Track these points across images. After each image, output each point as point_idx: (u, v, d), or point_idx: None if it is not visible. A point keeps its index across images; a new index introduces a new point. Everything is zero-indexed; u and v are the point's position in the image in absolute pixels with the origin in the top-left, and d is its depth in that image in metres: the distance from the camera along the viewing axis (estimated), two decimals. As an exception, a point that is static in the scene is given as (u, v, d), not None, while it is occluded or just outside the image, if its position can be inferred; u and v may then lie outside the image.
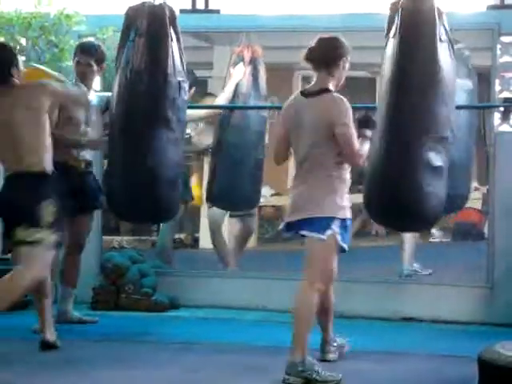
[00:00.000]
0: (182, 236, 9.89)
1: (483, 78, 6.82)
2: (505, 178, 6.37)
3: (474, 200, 9.38)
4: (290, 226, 4.57)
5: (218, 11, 7.00)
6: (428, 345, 5.42)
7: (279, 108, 6.55)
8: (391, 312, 6.32)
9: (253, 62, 7.11)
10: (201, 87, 8.75)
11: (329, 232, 4.40)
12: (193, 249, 9.41)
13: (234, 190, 7.04)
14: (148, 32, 5.40)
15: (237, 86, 7.07)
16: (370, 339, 5.56)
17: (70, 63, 6.14)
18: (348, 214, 4.49)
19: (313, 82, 4.59)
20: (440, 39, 5.01)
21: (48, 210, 4.78)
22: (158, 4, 5.49)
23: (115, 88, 5.49)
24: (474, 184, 9.24)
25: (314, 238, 4.41)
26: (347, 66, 4.59)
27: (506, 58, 6.52)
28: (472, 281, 6.56)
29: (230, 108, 7.08)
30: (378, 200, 5.14)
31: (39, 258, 4.78)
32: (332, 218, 4.41)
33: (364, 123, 4.66)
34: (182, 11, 6.54)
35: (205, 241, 9.17)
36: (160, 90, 5.36)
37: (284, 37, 7.38)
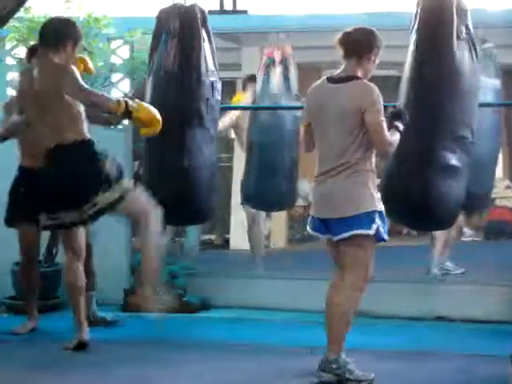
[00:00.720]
0: (213, 237, 9.92)
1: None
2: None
3: (507, 198, 9.33)
4: (322, 224, 4.48)
5: (245, 12, 7.02)
6: (460, 344, 5.38)
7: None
8: (423, 311, 6.27)
9: (283, 62, 7.11)
10: (229, 88, 8.79)
11: (374, 226, 4.33)
12: (223, 249, 9.43)
13: (265, 190, 7.04)
14: (180, 33, 5.42)
15: (267, 85, 7.07)
16: (402, 339, 5.54)
17: (100, 64, 6.19)
18: (382, 206, 4.43)
19: (340, 70, 4.47)
20: (458, 37, 4.95)
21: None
22: (189, 5, 5.51)
23: (148, 89, 5.50)
24: (506, 182, 9.20)
25: (359, 235, 4.33)
26: (377, 61, 4.49)
27: (536, 55, 6.48)
28: (504, 280, 6.50)
29: (257, 108, 7.08)
30: (392, 198, 5.11)
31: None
32: (374, 212, 4.35)
33: (396, 116, 4.53)
34: (210, 12, 6.56)
35: (235, 241, 9.19)
36: (194, 90, 5.38)
37: (312, 36, 7.37)
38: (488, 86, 6.29)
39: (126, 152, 6.57)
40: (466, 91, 4.97)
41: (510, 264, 6.80)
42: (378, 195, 4.40)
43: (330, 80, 4.49)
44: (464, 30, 4.99)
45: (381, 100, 4.35)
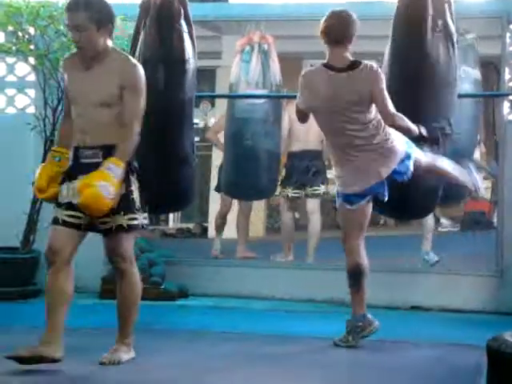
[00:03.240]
0: (191, 225, 9.93)
1: (493, 67, 6.79)
2: (514, 166, 6.36)
3: (484, 189, 9.38)
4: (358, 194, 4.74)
5: (226, 0, 6.99)
6: (436, 333, 5.42)
7: (290, 97, 6.56)
8: (400, 301, 6.31)
9: (245, 51, 6.99)
10: (209, 76, 8.78)
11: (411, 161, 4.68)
12: (201, 238, 9.44)
13: (240, 179, 7.02)
14: (178, 20, 5.35)
15: (236, 76, 7.01)
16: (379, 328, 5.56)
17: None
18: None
19: (331, 56, 4.60)
20: (434, 29, 4.96)
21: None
22: None
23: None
24: (483, 173, 9.25)
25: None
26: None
27: (515, 47, 6.51)
28: (481, 270, 6.55)
29: (236, 97, 7.04)
30: None
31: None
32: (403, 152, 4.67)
33: (430, 141, 4.89)
34: (190, 0, 6.53)
35: (213, 230, 9.20)
36: (191, 78, 5.36)
37: (292, 26, 7.36)
38: (468, 77, 6.31)
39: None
40: (441, 83, 4.97)
41: (486, 254, 6.85)
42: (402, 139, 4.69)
43: (332, 68, 4.59)
44: (441, 23, 4.99)
45: (383, 77, 4.62)
